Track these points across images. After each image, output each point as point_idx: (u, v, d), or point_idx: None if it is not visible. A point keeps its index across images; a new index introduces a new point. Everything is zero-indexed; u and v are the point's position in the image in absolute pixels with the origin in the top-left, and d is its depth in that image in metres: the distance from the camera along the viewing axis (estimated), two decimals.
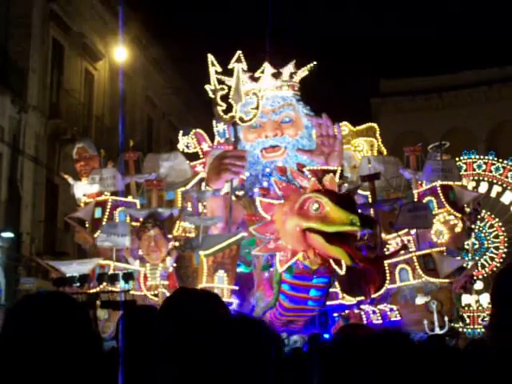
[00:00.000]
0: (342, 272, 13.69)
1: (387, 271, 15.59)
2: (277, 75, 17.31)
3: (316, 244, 12.68)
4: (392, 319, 15.36)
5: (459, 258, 17.47)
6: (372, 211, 16.39)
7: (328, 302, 15.04)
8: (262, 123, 17.00)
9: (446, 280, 15.68)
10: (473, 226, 19.82)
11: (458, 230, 16.53)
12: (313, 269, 13.29)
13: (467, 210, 17.32)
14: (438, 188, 16.49)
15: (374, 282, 15.57)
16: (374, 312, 15.42)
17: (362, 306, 15.45)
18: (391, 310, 15.41)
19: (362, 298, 15.40)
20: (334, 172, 13.55)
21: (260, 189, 15.11)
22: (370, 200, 16.73)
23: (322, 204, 12.31)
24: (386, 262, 15.69)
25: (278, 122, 17.24)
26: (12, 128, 25.03)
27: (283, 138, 17.10)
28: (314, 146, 17.45)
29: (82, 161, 17.66)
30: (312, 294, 13.94)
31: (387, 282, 15.58)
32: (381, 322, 15.32)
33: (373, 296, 15.59)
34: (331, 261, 13.21)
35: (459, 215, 16.49)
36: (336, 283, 15.13)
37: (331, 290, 15.04)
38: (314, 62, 17.56)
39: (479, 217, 21.90)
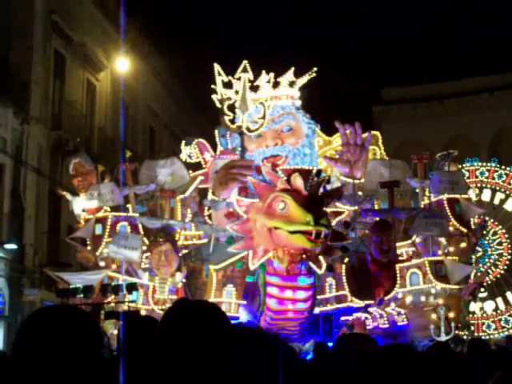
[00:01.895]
0: (321, 271, 14.31)
1: (398, 275, 15.62)
2: (275, 85, 17.31)
3: (281, 238, 13.24)
4: (399, 324, 15.38)
5: None
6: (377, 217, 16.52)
7: (336, 305, 15.26)
8: (263, 133, 17.00)
9: (456, 286, 15.72)
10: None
11: (463, 245, 16.50)
12: (283, 267, 13.80)
13: (473, 224, 17.29)
14: (445, 201, 16.48)
15: (384, 286, 15.64)
16: (381, 316, 15.44)
17: (370, 309, 15.50)
18: (399, 313, 15.43)
19: (371, 301, 15.47)
20: (309, 172, 13.99)
21: (240, 189, 15.22)
22: (376, 206, 16.85)
23: (287, 203, 12.82)
24: (398, 266, 15.72)
25: (278, 132, 17.25)
26: (15, 140, 25.05)
27: (284, 147, 17.11)
28: (316, 154, 17.52)
29: (79, 176, 17.65)
30: (299, 296, 14.29)
31: (397, 285, 15.60)
32: (387, 326, 15.34)
33: (382, 297, 15.65)
34: (310, 261, 13.78)
35: (465, 230, 16.46)
36: (345, 286, 15.27)
37: (340, 292, 15.26)
38: (314, 70, 17.56)
39: (485, 232, 21.80)
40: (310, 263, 14.13)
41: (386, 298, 15.58)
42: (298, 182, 13.28)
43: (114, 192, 16.88)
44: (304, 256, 13.80)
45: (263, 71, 17.14)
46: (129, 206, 17.11)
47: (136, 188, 17.34)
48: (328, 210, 14.50)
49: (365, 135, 17.23)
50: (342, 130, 17.02)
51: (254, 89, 16.98)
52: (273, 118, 17.20)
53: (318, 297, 15.52)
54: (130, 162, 17.87)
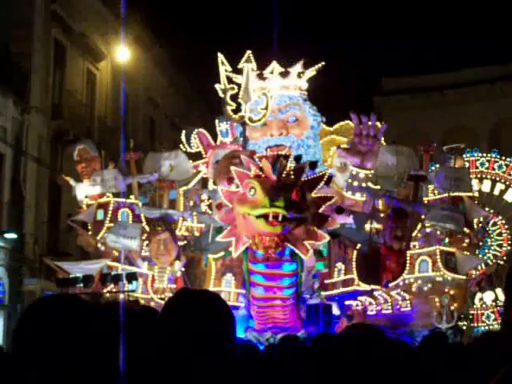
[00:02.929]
0: (307, 257, 14.41)
1: (408, 261, 15.63)
2: (284, 74, 17.31)
3: (252, 223, 13.45)
4: (402, 309, 15.42)
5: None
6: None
7: (342, 289, 15.32)
8: (268, 121, 17.00)
9: (464, 277, 15.76)
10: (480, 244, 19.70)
11: (464, 245, 16.44)
12: (263, 253, 13.99)
13: (476, 224, 17.26)
14: (449, 199, 16.44)
15: (392, 271, 15.70)
16: (385, 300, 15.50)
17: (375, 293, 15.55)
18: (403, 298, 15.50)
19: (377, 286, 15.55)
20: (287, 157, 14.18)
21: (228, 179, 15.30)
22: (379, 192, 16.84)
23: (256, 189, 13.13)
24: (409, 253, 15.73)
25: (284, 121, 17.26)
26: (15, 129, 25.05)
27: (288, 137, 17.11)
28: (320, 146, 17.52)
29: (83, 162, 17.69)
30: (285, 283, 14.43)
31: (405, 271, 15.63)
32: (390, 311, 15.42)
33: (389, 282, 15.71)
34: (293, 247, 13.88)
35: (467, 231, 16.41)
36: (354, 270, 15.33)
37: (348, 276, 15.31)
38: (322, 63, 17.54)
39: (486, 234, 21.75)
40: (294, 248, 14.12)
41: (393, 283, 15.59)
42: (266, 167, 13.49)
43: (117, 179, 16.93)
44: (277, 240, 13.85)
45: (274, 61, 17.17)
46: (132, 196, 17.15)
47: (139, 177, 17.38)
48: (315, 195, 14.49)
49: (379, 124, 17.18)
50: (356, 121, 16.93)
51: (262, 78, 17.01)
52: (279, 108, 17.21)
53: (326, 281, 15.57)
54: (134, 152, 17.91)
